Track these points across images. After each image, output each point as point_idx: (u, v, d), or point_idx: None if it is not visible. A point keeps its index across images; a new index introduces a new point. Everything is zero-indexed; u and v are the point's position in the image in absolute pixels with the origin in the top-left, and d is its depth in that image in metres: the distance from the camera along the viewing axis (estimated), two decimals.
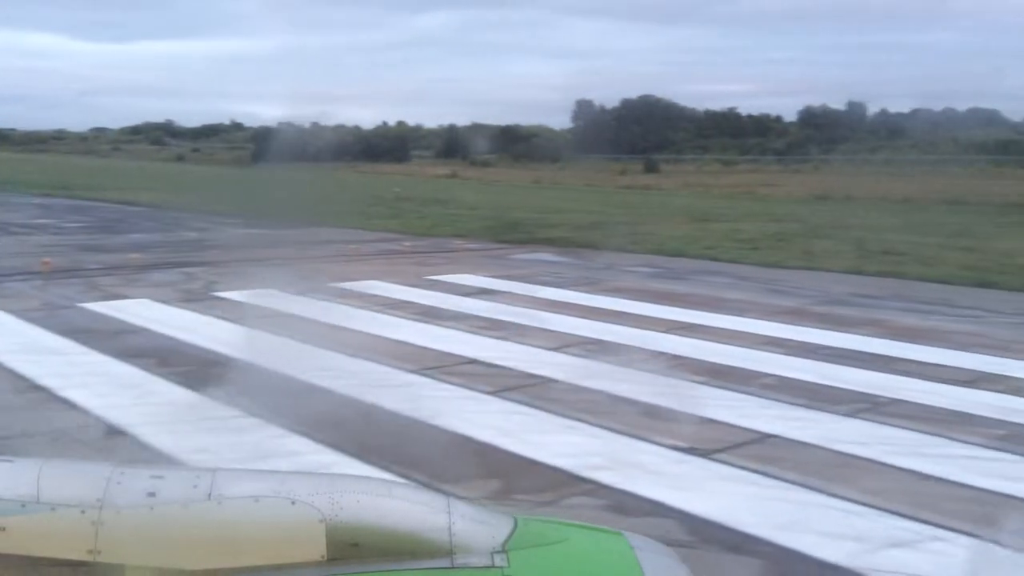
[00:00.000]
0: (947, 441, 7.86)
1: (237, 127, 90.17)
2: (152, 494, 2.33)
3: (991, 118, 74.89)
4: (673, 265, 18.83)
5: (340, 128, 78.81)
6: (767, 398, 9.09)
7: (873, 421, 8.38)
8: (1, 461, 2.50)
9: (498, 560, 2.41)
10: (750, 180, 53.65)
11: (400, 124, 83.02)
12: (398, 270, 16.98)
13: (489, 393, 8.97)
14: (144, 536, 2.26)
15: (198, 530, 2.29)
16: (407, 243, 21.38)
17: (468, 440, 7.53)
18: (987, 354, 10.97)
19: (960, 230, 25.23)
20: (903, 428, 8.17)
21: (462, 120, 77.41)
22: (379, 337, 11.25)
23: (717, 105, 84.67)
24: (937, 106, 77.69)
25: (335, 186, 40.25)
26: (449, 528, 2.42)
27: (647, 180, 55.00)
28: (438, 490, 4.27)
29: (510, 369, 9.89)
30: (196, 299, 13.81)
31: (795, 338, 11.79)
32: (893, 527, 6.02)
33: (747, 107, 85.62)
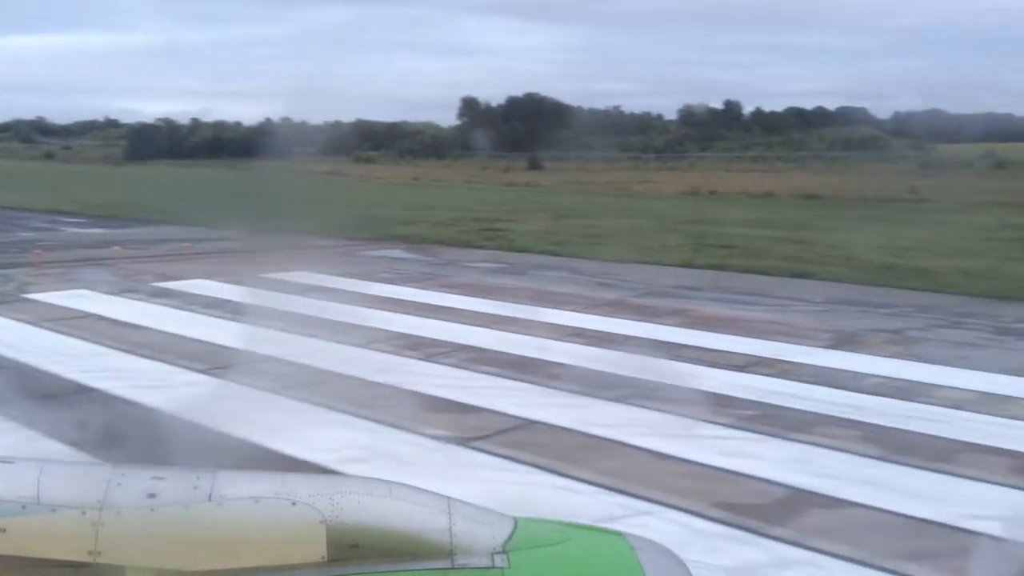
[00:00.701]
0: (699, 422, 8.35)
1: (113, 124, 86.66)
2: (152, 495, 2.33)
3: (859, 116, 78.93)
4: (516, 261, 19.21)
5: (219, 125, 76.84)
6: (548, 387, 9.45)
7: (636, 405, 8.83)
8: (1, 462, 2.48)
9: (498, 561, 2.41)
10: (628, 177, 55.02)
11: (285, 120, 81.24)
12: (233, 268, 16.74)
13: (271, 391, 9.00)
14: (144, 537, 2.25)
15: (198, 531, 2.29)
16: (247, 241, 21.04)
17: (227, 437, 7.55)
18: (772, 340, 11.67)
19: (803, 224, 26.63)
20: (662, 411, 8.63)
21: (348, 116, 76.46)
22: (179, 336, 11.12)
23: (602, 103, 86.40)
24: (809, 104, 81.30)
25: (199, 184, 39.13)
26: (449, 529, 2.43)
27: (529, 177, 55.66)
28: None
29: (305, 366, 9.92)
30: (3, 301, 13.30)
31: (600, 329, 12.26)
32: (608, 503, 6.39)
33: (631, 106, 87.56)
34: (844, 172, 55.15)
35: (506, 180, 53.50)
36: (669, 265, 18.43)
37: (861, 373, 10.06)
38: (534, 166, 61.78)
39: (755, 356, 10.83)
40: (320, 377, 9.52)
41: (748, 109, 78.45)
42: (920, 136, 72.74)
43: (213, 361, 10.05)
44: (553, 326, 12.39)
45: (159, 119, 74.77)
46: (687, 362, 10.47)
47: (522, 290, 15.32)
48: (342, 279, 16.01)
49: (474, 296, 14.60)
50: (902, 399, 9.12)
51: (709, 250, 20.12)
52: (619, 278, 16.91)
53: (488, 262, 18.92)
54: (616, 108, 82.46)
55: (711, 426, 8.28)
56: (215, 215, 25.89)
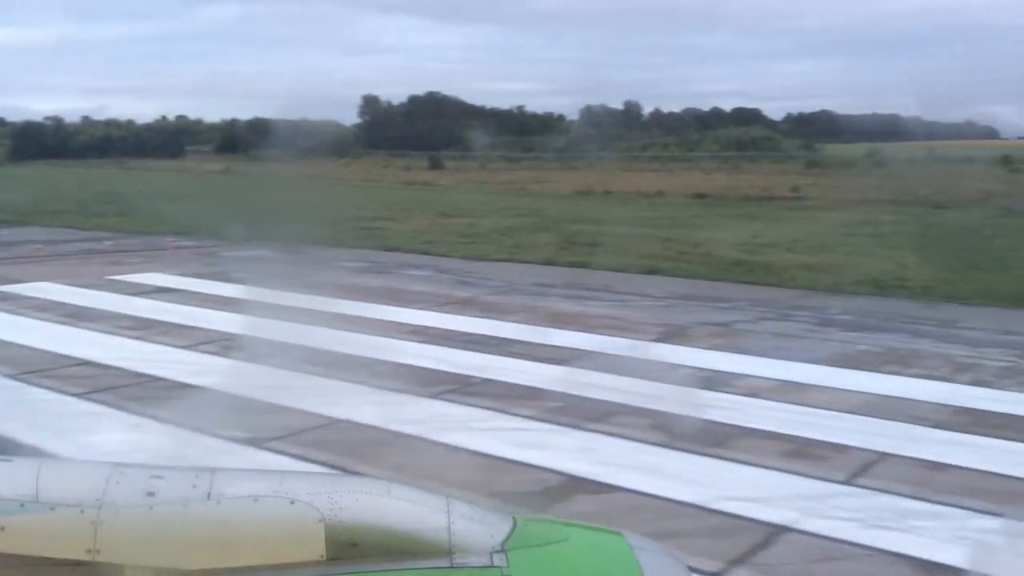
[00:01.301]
0: (502, 415, 8.58)
1: None
2: (151, 494, 2.31)
3: (753, 117, 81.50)
4: (385, 260, 19.24)
5: (112, 123, 74.09)
6: (367, 385, 9.54)
7: (450, 400, 9.02)
8: (0, 461, 2.44)
9: (497, 560, 2.40)
10: (528, 177, 55.53)
11: (180, 118, 79.07)
12: (81, 270, 16.27)
13: (77, 395, 8.84)
14: (143, 536, 2.24)
15: (197, 530, 2.27)
16: (109, 242, 20.50)
17: (11, 443, 7.39)
18: (602, 334, 12.02)
19: (679, 222, 27.41)
20: (472, 406, 8.85)
21: (246, 114, 74.88)
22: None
23: (506, 103, 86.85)
24: (705, 105, 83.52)
25: (76, 184, 37.74)
26: (448, 528, 2.42)
27: (429, 176, 55.60)
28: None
29: (120, 370, 9.77)
30: None
31: (442, 327, 12.41)
32: None
33: (534, 105, 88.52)
34: (734, 172, 56.95)
35: (406, 179, 53.33)
36: (534, 263, 18.74)
37: (676, 364, 10.47)
38: (435, 165, 61.72)
39: (580, 350, 11.16)
40: (130, 380, 9.38)
41: (647, 110, 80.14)
42: (810, 136, 75.76)
43: (28, 366, 9.77)
44: (395, 324, 12.49)
45: (47, 117, 71.69)
46: (514, 358, 10.73)
47: (377, 289, 15.37)
48: (193, 280, 15.75)
49: (327, 296, 14.54)
50: (705, 388, 9.56)
51: (577, 248, 20.53)
52: (481, 276, 17.11)
53: (355, 261, 18.88)
54: (520, 108, 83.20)
55: (515, 419, 8.52)
56: (87, 216, 25.13)
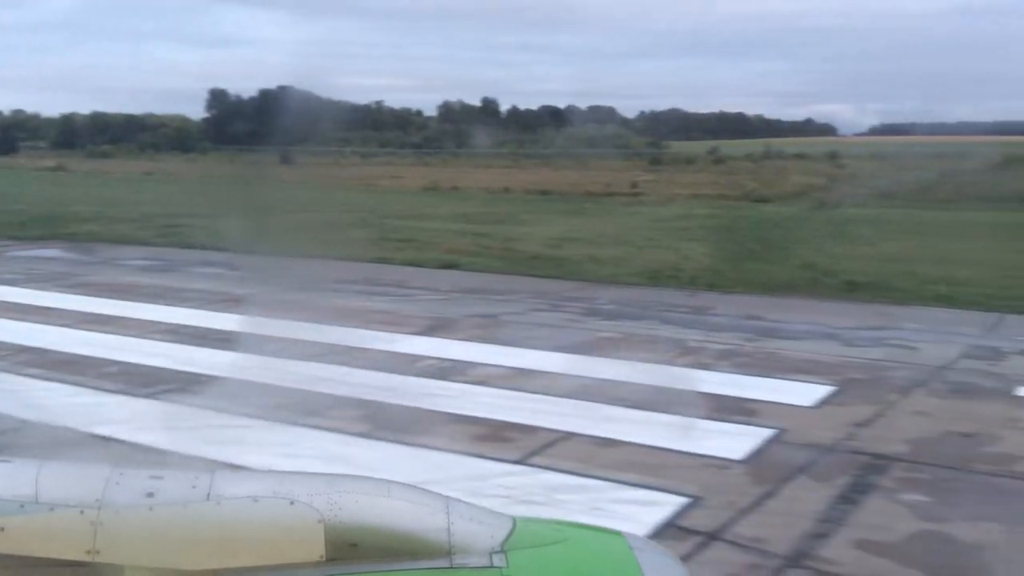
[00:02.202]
0: (213, 414, 8.48)
1: None
2: (151, 494, 2.29)
3: (609, 115, 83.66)
4: (177, 258, 18.70)
5: None
6: (84, 386, 9.25)
7: (165, 400, 8.87)
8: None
9: (496, 560, 2.38)
10: (379, 172, 55.16)
11: (17, 112, 74.22)
12: None
13: None
14: (143, 536, 2.22)
15: (197, 530, 2.25)
16: None
17: None
18: (368, 329, 12.07)
19: (504, 218, 27.88)
20: (187, 404, 8.73)
21: (86, 108, 71.01)
22: None
23: (365, 98, 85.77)
24: (563, 103, 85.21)
25: None
26: (448, 528, 2.39)
27: (277, 172, 54.29)
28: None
29: None
30: None
31: (202, 325, 12.18)
32: None
33: (393, 101, 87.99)
34: (583, 168, 58.39)
35: (248, 175, 51.95)
36: (338, 259, 18.61)
37: (422, 356, 10.67)
38: (285, 160, 60.31)
39: (337, 345, 11.17)
40: None
41: (505, 107, 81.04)
42: (662, 134, 78.58)
43: None
44: (152, 323, 12.16)
45: None
46: (265, 355, 10.63)
47: (152, 287, 14.93)
48: None
49: (93, 296, 14.02)
50: (437, 379, 9.78)
51: (388, 244, 20.55)
52: (274, 273, 16.86)
53: (145, 259, 18.26)
54: (379, 103, 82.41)
55: (226, 416, 8.44)
56: None
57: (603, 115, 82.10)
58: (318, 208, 29.63)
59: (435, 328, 12.41)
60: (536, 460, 7.37)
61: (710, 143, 71.83)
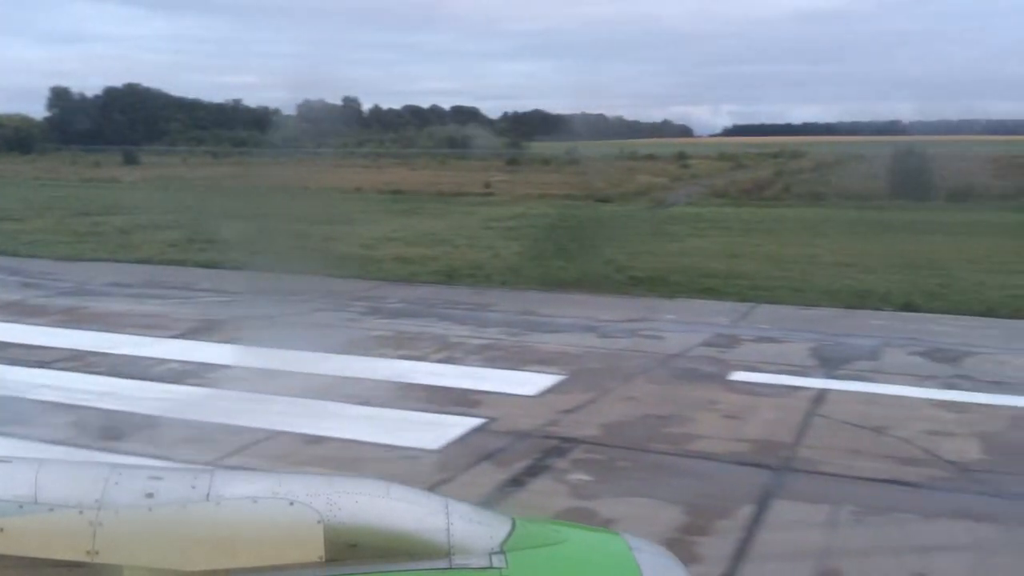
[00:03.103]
0: None
1: None
2: (150, 495, 2.28)
3: (471, 115, 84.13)
4: None
5: None
6: None
7: None
8: None
9: (496, 561, 2.38)
10: (228, 172, 53.61)
11: None
12: None
13: None
14: (142, 537, 2.22)
15: (196, 531, 2.25)
16: None
17: None
18: (124, 333, 11.84)
19: (337, 218, 27.69)
20: None
21: None
22: None
23: (222, 97, 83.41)
24: (426, 103, 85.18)
25: None
26: (447, 529, 2.39)
27: (119, 173, 52.08)
28: None
29: None
30: None
31: None
32: None
33: (252, 100, 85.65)
34: (442, 169, 58.57)
35: (90, 176, 49.56)
36: (131, 262, 18.11)
37: (165, 359, 10.53)
38: (130, 161, 57.89)
39: (79, 350, 10.88)
40: None
41: (367, 107, 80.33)
42: (526, 134, 79.67)
43: None
44: None
45: None
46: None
47: None
48: None
49: None
50: (169, 383, 9.69)
51: (192, 245, 20.11)
52: (55, 277, 16.23)
53: None
54: (236, 102, 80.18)
55: None
56: None
57: (466, 116, 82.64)
58: (138, 209, 28.64)
59: (197, 331, 12.26)
60: (231, 460, 7.44)
61: (570, 144, 73.40)
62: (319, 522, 2.33)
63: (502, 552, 2.46)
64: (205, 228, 23.24)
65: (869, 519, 6.39)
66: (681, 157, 60.15)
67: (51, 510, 2.25)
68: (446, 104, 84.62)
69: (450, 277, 16.64)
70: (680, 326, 12.87)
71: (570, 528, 2.98)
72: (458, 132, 71.67)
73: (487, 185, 44.40)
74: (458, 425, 8.36)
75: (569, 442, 7.96)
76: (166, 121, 68.15)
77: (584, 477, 7.18)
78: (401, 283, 16.22)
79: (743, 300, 14.63)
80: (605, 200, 39.72)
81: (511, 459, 7.56)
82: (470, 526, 2.51)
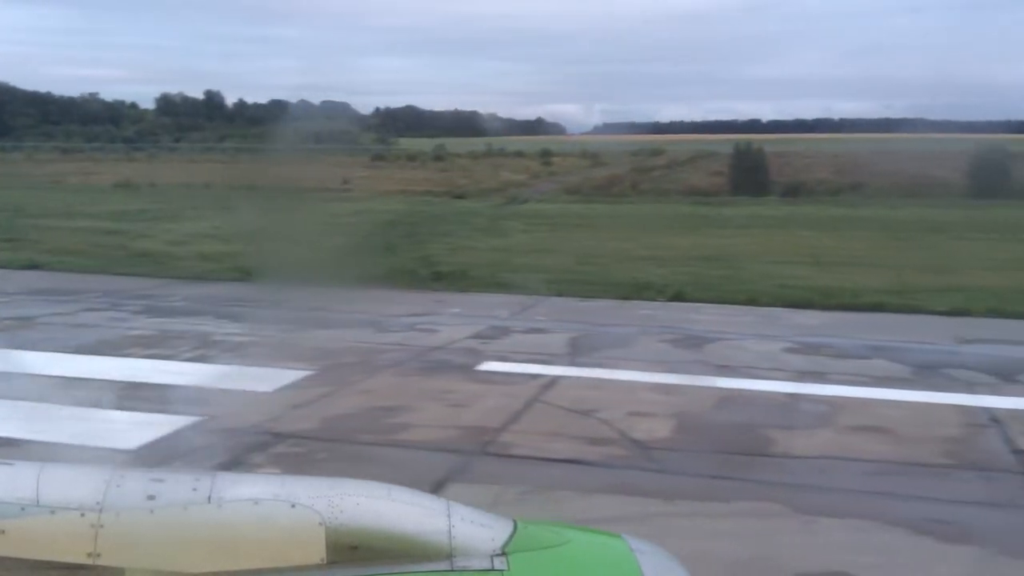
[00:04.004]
0: None
1: None
2: (152, 497, 2.29)
3: (340, 110, 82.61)
4: None
5: None
6: None
7: None
8: (1, 464, 2.42)
9: (497, 563, 2.40)
10: (74, 168, 51.16)
11: None
12: None
13: None
14: (144, 539, 2.23)
15: (198, 533, 2.26)
16: None
17: None
18: None
19: (163, 215, 26.86)
20: None
21: None
22: None
23: (79, 90, 79.55)
24: (294, 97, 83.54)
25: None
26: (449, 531, 2.40)
27: None
28: None
29: None
30: None
31: None
32: None
33: (111, 93, 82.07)
34: (306, 164, 57.44)
35: None
36: None
37: None
38: None
39: None
40: None
41: (231, 100, 78.11)
42: (399, 130, 79.12)
43: None
44: None
45: None
46: None
47: None
48: None
49: None
50: None
51: None
52: None
53: None
54: (93, 95, 76.52)
55: None
56: None
57: (336, 110, 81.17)
58: None
59: None
60: None
61: (439, 140, 73.40)
62: (320, 524, 2.33)
63: (503, 554, 2.47)
64: (15, 226, 22.14)
65: (529, 497, 6.66)
66: (545, 154, 61.03)
67: (53, 512, 2.25)
68: (315, 99, 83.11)
69: (249, 274, 16.36)
70: (460, 319, 13.09)
71: (572, 530, 2.97)
72: (324, 127, 70.31)
73: (346, 181, 43.94)
74: (168, 424, 8.22)
75: (279, 437, 7.97)
76: (12, 116, 64.35)
77: (273, 471, 7.20)
78: (195, 281, 15.86)
79: (532, 294, 14.99)
80: (461, 196, 39.98)
81: (206, 456, 7.50)
82: (472, 528, 2.51)
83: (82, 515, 2.24)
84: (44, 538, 2.23)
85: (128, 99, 76.91)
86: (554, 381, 9.79)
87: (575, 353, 11.09)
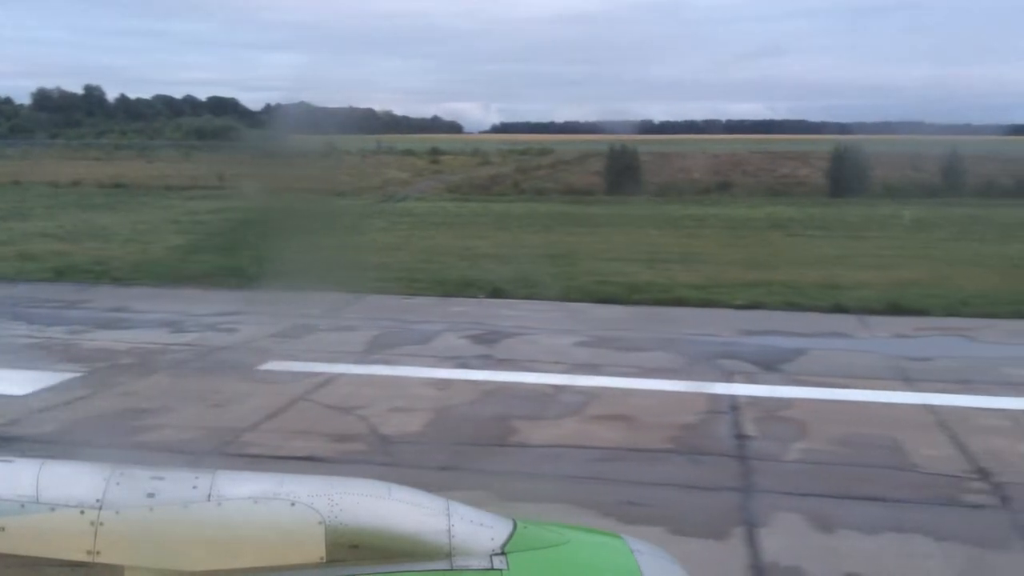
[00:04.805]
0: None
1: None
2: (151, 495, 2.30)
3: (229, 106, 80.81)
4: None
5: None
6: None
7: None
8: (0, 461, 2.40)
9: (497, 563, 2.41)
10: None
11: None
12: None
13: None
14: (143, 537, 2.24)
15: (197, 531, 2.28)
16: None
17: None
18: None
19: (8, 214, 25.64)
20: None
21: None
22: None
23: None
24: (181, 93, 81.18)
25: None
26: (448, 530, 2.41)
27: None
28: None
29: None
30: None
31: None
32: None
33: None
34: (185, 161, 55.83)
35: None
36: None
37: None
38: None
39: None
40: None
41: (113, 95, 75.33)
42: (287, 127, 77.63)
43: None
44: None
45: None
46: None
47: None
48: None
49: None
50: None
51: None
52: None
53: None
54: None
55: None
56: None
57: (224, 107, 79.33)
58: None
59: None
60: None
61: (327, 138, 72.38)
62: (320, 523, 2.32)
63: (503, 554, 2.47)
64: None
65: None
66: (434, 152, 60.91)
67: (52, 509, 2.24)
68: (204, 94, 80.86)
69: (61, 274, 15.76)
70: (268, 318, 12.88)
71: (571, 530, 2.93)
72: (209, 124, 68.59)
73: (220, 177, 42.86)
74: None
75: (7, 441, 7.67)
76: None
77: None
78: (1, 281, 15.17)
79: (357, 292, 14.89)
80: (339, 194, 39.48)
81: None
82: (471, 527, 2.50)
83: (82, 512, 2.25)
84: (44, 535, 2.23)
85: (3, 94, 73.22)
86: (332, 379, 9.74)
87: (369, 351, 11.07)
